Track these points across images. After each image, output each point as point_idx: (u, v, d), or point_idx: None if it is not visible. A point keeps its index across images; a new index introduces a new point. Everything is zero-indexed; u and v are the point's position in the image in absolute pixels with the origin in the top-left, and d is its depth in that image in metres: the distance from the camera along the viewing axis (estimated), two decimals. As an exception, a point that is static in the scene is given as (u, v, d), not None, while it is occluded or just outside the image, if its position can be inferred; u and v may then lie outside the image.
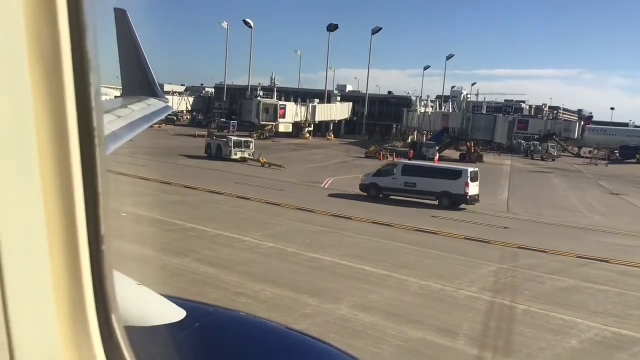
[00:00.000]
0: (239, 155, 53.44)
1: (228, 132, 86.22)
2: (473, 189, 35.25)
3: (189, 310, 3.64)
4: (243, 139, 57.88)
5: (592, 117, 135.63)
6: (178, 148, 59.38)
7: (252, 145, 55.79)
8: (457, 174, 35.51)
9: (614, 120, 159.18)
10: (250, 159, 53.52)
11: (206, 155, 55.31)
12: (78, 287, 1.31)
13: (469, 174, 34.92)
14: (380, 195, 36.59)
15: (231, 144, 54.02)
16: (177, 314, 3.55)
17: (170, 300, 3.76)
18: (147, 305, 3.60)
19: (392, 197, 36.58)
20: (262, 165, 51.21)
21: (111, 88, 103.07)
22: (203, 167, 48.20)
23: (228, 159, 52.85)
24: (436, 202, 35.37)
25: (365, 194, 36.91)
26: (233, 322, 4.18)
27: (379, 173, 37.80)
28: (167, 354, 3.24)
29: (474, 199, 35.53)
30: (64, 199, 1.26)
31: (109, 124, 8.32)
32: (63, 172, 1.25)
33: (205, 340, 3.59)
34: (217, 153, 54.52)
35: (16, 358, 1.23)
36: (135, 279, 3.82)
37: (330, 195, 37.70)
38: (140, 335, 3.32)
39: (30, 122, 1.17)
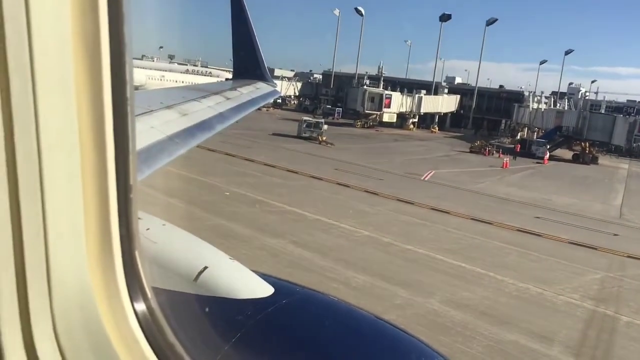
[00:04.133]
0: (308, 134, 58.68)
1: (333, 118, 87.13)
2: None
3: (277, 288, 3.76)
4: (314, 120, 62.41)
5: None
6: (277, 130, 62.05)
7: (323, 127, 59.88)
8: None
9: None
10: (317, 138, 58.30)
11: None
12: (106, 226, 1.51)
13: None
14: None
15: (304, 125, 59.76)
16: (266, 290, 3.68)
17: (261, 277, 3.90)
18: (238, 279, 3.76)
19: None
20: (319, 143, 56.12)
21: (223, 70, 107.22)
22: (282, 146, 49.05)
23: (303, 137, 58.36)
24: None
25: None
26: (320, 304, 4.25)
27: None
28: (252, 328, 3.37)
29: None
30: (98, 154, 1.45)
31: (217, 105, 8.70)
32: (98, 130, 1.43)
33: (291, 319, 3.69)
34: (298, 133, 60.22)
35: (52, 283, 1.44)
36: (228, 254, 3.99)
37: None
38: (227, 307, 3.49)
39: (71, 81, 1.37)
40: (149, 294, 1.69)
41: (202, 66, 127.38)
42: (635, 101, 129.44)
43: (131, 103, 1.48)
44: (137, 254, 1.62)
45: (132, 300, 1.62)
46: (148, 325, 1.66)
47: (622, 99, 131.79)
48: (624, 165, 73.80)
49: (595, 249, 24.67)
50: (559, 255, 22.86)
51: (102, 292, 1.55)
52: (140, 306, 1.65)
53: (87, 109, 1.40)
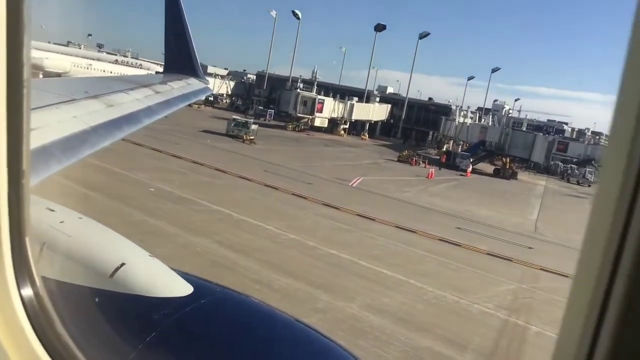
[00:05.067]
0: (235, 132, 59.62)
1: (265, 119, 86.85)
2: None
3: (196, 287, 3.71)
4: (243, 120, 63.52)
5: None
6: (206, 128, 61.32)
7: (252, 127, 60.95)
8: None
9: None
10: (244, 138, 58.92)
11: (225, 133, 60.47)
12: None
13: None
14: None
15: (233, 123, 60.82)
16: (185, 289, 3.62)
17: (181, 275, 3.83)
18: (157, 277, 3.68)
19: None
20: (243, 142, 56.97)
21: (154, 63, 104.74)
22: (211, 145, 48.65)
23: (231, 135, 59.21)
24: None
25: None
26: (239, 304, 4.23)
27: None
28: (169, 326, 3.31)
29: None
30: None
31: (146, 98, 8.48)
32: None
33: (208, 318, 3.65)
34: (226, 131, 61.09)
35: None
36: (147, 251, 3.91)
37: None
38: (144, 305, 3.41)
39: None
40: (38, 281, 1.65)
41: (132, 57, 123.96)
42: (554, 121, 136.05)
43: (27, 85, 1.42)
44: (27, 240, 1.57)
45: (18, 286, 1.57)
46: (35, 312, 1.61)
47: (543, 118, 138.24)
48: (541, 182, 77.46)
49: (511, 260, 25.75)
50: (476, 265, 23.70)
51: None
52: (27, 292, 1.60)
53: None
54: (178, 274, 3.80)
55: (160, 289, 3.53)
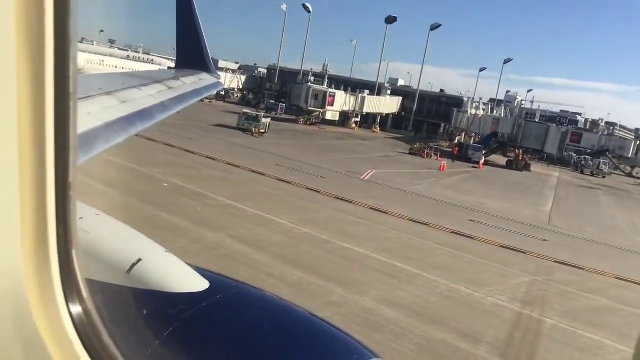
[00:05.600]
0: (247, 126, 59.86)
1: (276, 113, 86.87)
2: None
3: (212, 283, 3.71)
4: (254, 114, 63.53)
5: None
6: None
7: (263, 120, 61.04)
8: None
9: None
10: (253, 131, 59.35)
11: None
12: (43, 224, 1.46)
13: None
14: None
15: (244, 117, 61.07)
16: (201, 284, 3.63)
17: (197, 271, 3.84)
18: (173, 272, 3.69)
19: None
20: (252, 134, 57.57)
21: (165, 59, 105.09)
22: (224, 140, 48.76)
23: (242, 129, 59.57)
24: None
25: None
26: (255, 300, 4.23)
27: None
28: (186, 322, 3.32)
29: None
30: (37, 149, 1.39)
31: (158, 94, 8.50)
32: (38, 126, 1.37)
33: (225, 314, 3.66)
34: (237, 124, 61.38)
35: None
36: (164, 247, 3.92)
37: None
38: (161, 300, 3.42)
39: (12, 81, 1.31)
40: (85, 295, 1.64)
41: (144, 53, 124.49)
42: (567, 112, 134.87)
43: (74, 99, 1.42)
44: (74, 253, 1.57)
45: (67, 301, 1.56)
46: (83, 328, 1.61)
47: (556, 109, 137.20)
48: (555, 173, 76.91)
49: (525, 253, 25.60)
50: (490, 258, 23.61)
51: (36, 293, 1.48)
52: (76, 308, 1.60)
53: (27, 103, 1.33)
54: (194, 269, 3.80)
55: (176, 285, 3.54)
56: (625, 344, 15.85)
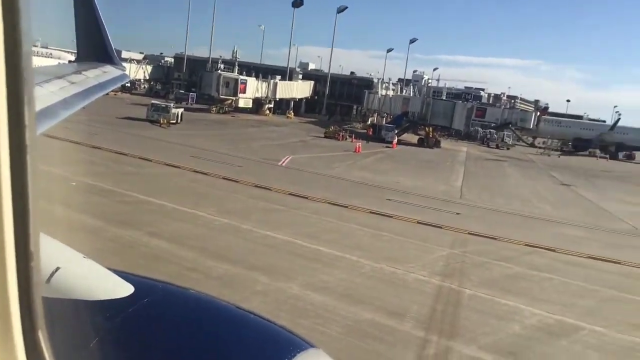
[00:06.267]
0: (156, 117, 58.81)
1: (187, 103, 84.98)
2: None
3: (137, 286, 3.54)
4: (163, 104, 62.47)
5: (548, 108, 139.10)
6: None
7: (173, 111, 60.43)
8: None
9: (569, 112, 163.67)
10: (161, 122, 58.29)
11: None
12: (4, 305, 1.27)
13: None
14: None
15: (152, 108, 60.20)
16: (125, 289, 3.45)
17: (119, 275, 3.66)
18: (94, 279, 3.49)
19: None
20: (160, 125, 56.48)
21: (66, 52, 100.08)
22: (133, 133, 47.40)
23: (152, 120, 58.55)
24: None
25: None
26: (183, 300, 4.09)
27: None
28: (112, 330, 3.15)
29: None
30: None
31: (61, 90, 8.02)
32: None
33: (153, 317, 3.51)
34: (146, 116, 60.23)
35: None
36: (82, 252, 3.70)
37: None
38: (84, 309, 3.22)
39: None
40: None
41: (41, 47, 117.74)
42: (472, 88, 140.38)
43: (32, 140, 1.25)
44: (40, 335, 1.38)
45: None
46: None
47: (461, 85, 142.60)
48: (463, 148, 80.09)
49: (441, 227, 26.53)
50: (408, 234, 24.28)
51: None
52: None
53: None
54: (117, 273, 3.61)
55: (100, 292, 3.33)
56: (540, 307, 16.81)
